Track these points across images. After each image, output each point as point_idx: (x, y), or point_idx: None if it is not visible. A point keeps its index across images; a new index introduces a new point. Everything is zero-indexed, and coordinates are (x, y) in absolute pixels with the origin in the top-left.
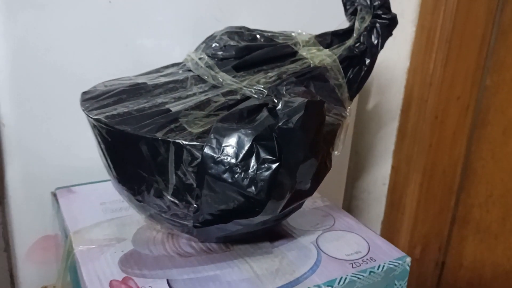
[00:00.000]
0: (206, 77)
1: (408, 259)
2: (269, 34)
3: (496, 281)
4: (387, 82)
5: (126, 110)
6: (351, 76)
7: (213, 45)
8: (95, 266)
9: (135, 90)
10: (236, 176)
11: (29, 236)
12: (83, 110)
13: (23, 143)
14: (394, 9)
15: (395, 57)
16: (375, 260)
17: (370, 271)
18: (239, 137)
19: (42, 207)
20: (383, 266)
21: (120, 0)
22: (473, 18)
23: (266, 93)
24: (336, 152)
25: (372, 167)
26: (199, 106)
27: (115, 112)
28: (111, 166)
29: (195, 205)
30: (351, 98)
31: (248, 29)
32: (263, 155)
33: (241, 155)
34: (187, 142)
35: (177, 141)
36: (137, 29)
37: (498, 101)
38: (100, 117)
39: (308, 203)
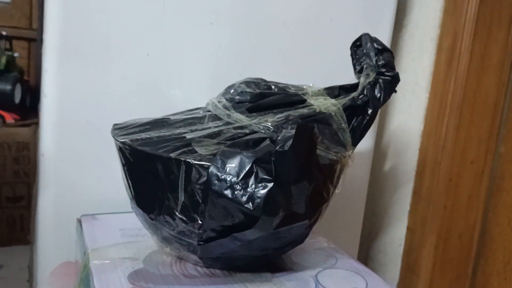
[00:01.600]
0: (222, 115)
1: None
2: (283, 85)
3: None
4: (402, 145)
5: (148, 136)
6: (354, 124)
7: (232, 91)
8: (107, 277)
9: (158, 123)
10: (236, 192)
11: (52, 260)
12: (113, 136)
13: (58, 173)
14: (409, 78)
15: (410, 122)
16: None
17: None
18: (241, 159)
19: (67, 234)
20: None
21: (157, 53)
22: (484, 87)
23: (272, 129)
24: (337, 190)
25: (388, 228)
26: (211, 135)
27: (138, 137)
28: (131, 186)
29: (199, 222)
30: (354, 144)
31: (264, 80)
32: (261, 175)
33: (242, 175)
34: (196, 162)
35: (187, 160)
36: (170, 80)
37: None
38: (125, 140)
39: (313, 244)
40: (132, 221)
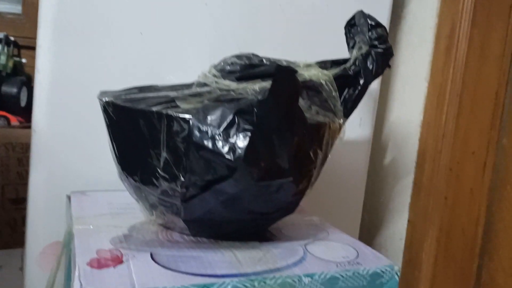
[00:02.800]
0: (210, 82)
1: (397, 268)
2: (275, 59)
3: None
4: (402, 137)
5: (132, 97)
6: (346, 96)
7: (222, 63)
8: (88, 240)
9: (146, 87)
10: (217, 144)
11: (42, 240)
12: (98, 98)
13: (49, 150)
14: (408, 69)
15: (409, 113)
16: (361, 264)
17: (354, 272)
18: (223, 111)
19: (57, 212)
20: (368, 269)
21: (150, 33)
22: (484, 76)
23: (259, 92)
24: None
25: (389, 222)
26: (196, 95)
27: (123, 97)
28: (115, 148)
29: (182, 179)
30: (346, 115)
31: (256, 55)
32: (243, 125)
33: (223, 126)
34: (177, 115)
35: (169, 113)
36: (164, 60)
37: None
38: (108, 99)
39: (305, 220)
40: (121, 197)
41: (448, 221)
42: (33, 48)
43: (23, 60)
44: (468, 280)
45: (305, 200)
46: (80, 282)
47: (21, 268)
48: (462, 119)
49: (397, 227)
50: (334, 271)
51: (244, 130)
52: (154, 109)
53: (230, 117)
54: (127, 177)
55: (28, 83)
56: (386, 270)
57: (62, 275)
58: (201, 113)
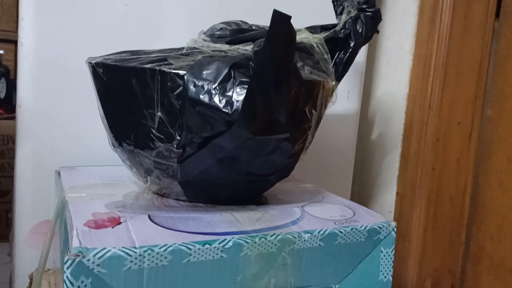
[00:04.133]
0: (200, 46)
1: (393, 224)
2: (264, 26)
3: None
4: (389, 111)
5: (123, 58)
6: (337, 60)
7: (211, 30)
8: (82, 206)
9: (135, 52)
10: (213, 98)
11: (30, 218)
12: (86, 62)
13: (35, 126)
14: (393, 43)
15: (395, 87)
16: (358, 222)
17: (352, 228)
18: (218, 65)
19: (45, 190)
20: (366, 226)
21: (135, 2)
22: (468, 47)
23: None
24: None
25: (377, 195)
26: (188, 54)
27: (113, 58)
28: (106, 114)
29: (177, 138)
30: (338, 79)
31: (246, 22)
32: (239, 78)
33: (219, 79)
34: (171, 70)
35: (162, 69)
36: (149, 31)
37: (501, 130)
38: (99, 60)
39: (300, 187)
40: (112, 171)
41: (436, 192)
42: (10, 41)
43: (1, 52)
44: (457, 249)
45: (296, 173)
46: (79, 240)
47: (9, 254)
48: (447, 90)
49: (386, 200)
50: (332, 228)
51: (241, 83)
52: (147, 66)
53: (225, 71)
54: (120, 143)
55: (7, 74)
56: (383, 226)
57: (56, 250)
58: (196, 68)
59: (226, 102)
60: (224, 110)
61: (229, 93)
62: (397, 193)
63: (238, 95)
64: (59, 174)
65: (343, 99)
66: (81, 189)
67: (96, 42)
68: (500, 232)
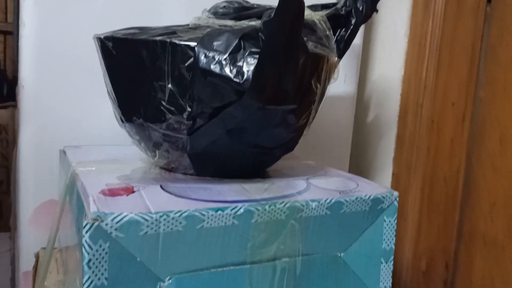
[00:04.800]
0: (205, 23)
1: (396, 193)
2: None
3: None
4: (384, 95)
5: (132, 32)
6: (338, 37)
7: (214, 8)
8: (93, 178)
9: (142, 28)
10: (224, 68)
11: (35, 198)
12: (94, 37)
13: (39, 106)
14: (388, 27)
15: (391, 70)
16: (362, 192)
17: (357, 197)
18: (228, 36)
19: (49, 170)
20: (370, 195)
21: None
22: (461, 29)
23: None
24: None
25: (373, 178)
26: (196, 28)
27: (121, 32)
28: (115, 89)
29: (188, 109)
30: (340, 56)
31: (247, 1)
32: (249, 49)
33: (229, 50)
34: (182, 42)
35: (173, 41)
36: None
37: (493, 112)
38: (108, 35)
39: (303, 164)
40: (118, 149)
41: (431, 172)
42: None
43: None
44: (451, 228)
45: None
46: (96, 206)
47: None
48: (441, 72)
49: (382, 181)
50: (338, 197)
51: (251, 53)
52: (158, 38)
53: (235, 42)
54: (129, 118)
55: None
56: (386, 195)
57: (62, 229)
58: (206, 40)
59: (236, 72)
60: (235, 79)
61: (240, 63)
62: (393, 173)
63: (249, 65)
64: (64, 152)
65: (340, 82)
66: (90, 164)
67: (98, 23)
68: (493, 211)
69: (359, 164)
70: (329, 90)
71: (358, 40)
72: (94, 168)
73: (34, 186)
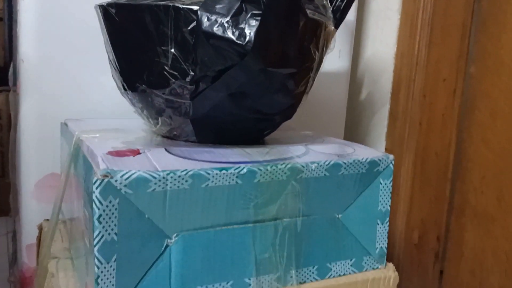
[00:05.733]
0: None
1: (391, 157)
2: None
3: (497, 266)
4: (377, 71)
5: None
6: (334, 7)
7: None
8: (98, 143)
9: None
10: (227, 30)
11: (36, 172)
12: (96, 7)
13: (39, 80)
14: (380, 4)
15: (383, 47)
16: (359, 156)
17: (354, 160)
18: (230, 0)
19: (49, 144)
20: (367, 158)
21: None
22: (452, 5)
23: None
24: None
25: None
26: None
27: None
28: (117, 56)
29: (191, 74)
30: (336, 26)
31: None
32: (251, 11)
33: (231, 12)
34: (184, 6)
35: (176, 5)
36: None
37: (483, 86)
38: (111, 1)
39: (300, 134)
40: (118, 122)
41: (423, 147)
42: None
43: None
44: (442, 201)
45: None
46: (105, 164)
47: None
48: (433, 48)
49: None
50: (336, 159)
51: (253, 15)
52: (161, 3)
53: (237, 4)
54: (131, 85)
55: None
56: (382, 158)
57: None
58: (209, 3)
59: (239, 34)
60: (237, 41)
61: (242, 26)
62: (386, 148)
63: (251, 27)
64: (66, 125)
65: (335, 57)
66: (93, 132)
67: None
68: (483, 183)
69: (353, 139)
70: (325, 60)
71: (351, 17)
72: (98, 135)
73: (35, 160)
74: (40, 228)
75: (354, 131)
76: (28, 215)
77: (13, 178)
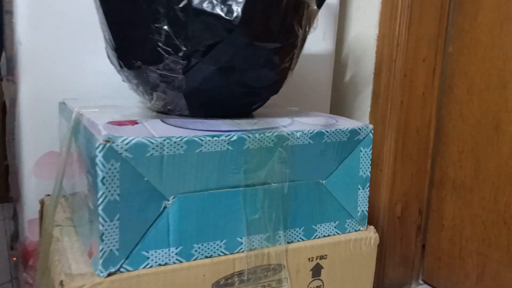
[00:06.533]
0: None
1: (371, 126)
2: None
3: (475, 234)
4: (361, 53)
5: None
6: None
7: None
8: (98, 116)
9: None
10: (215, 7)
11: (36, 150)
12: None
13: (36, 61)
14: None
15: (366, 30)
16: (341, 125)
17: (336, 129)
18: None
19: (47, 123)
20: (348, 127)
21: None
22: None
23: None
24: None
25: None
26: None
27: None
28: (113, 35)
29: (183, 49)
30: (318, 6)
31: None
32: None
33: None
34: None
35: None
36: None
37: (461, 64)
38: None
39: (286, 109)
40: (114, 100)
41: (404, 124)
42: None
43: None
44: (423, 175)
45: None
46: (107, 131)
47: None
48: (413, 29)
49: None
50: (320, 128)
51: None
52: None
53: None
54: (127, 62)
55: None
56: (362, 128)
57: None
58: None
59: (227, 10)
60: (226, 17)
61: (230, 2)
62: None
63: (238, 3)
64: (64, 103)
65: (319, 40)
66: (92, 107)
67: None
68: (461, 157)
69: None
70: (311, 42)
71: (334, 0)
72: (97, 110)
73: (34, 139)
74: (42, 202)
75: (339, 110)
76: (29, 191)
77: (11, 159)
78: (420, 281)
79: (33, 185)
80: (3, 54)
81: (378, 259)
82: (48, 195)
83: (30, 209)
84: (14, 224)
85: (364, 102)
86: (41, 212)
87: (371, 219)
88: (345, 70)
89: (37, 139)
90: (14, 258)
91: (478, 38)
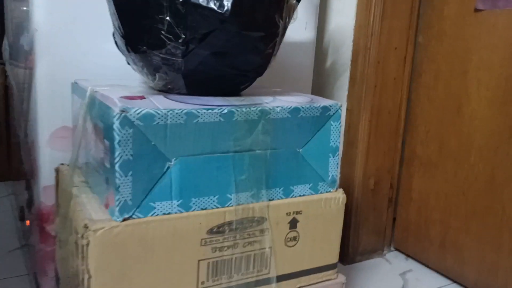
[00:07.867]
0: None
1: (340, 104)
2: None
3: (438, 205)
4: (340, 41)
5: None
6: None
7: None
8: (110, 93)
9: None
10: (210, 1)
11: (51, 124)
12: None
13: (52, 46)
14: None
15: (345, 20)
16: (315, 103)
17: (310, 105)
18: None
19: (61, 101)
20: (320, 104)
21: None
22: None
23: None
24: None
25: None
26: None
27: None
28: (123, 22)
29: (183, 36)
30: (298, 0)
31: None
32: None
33: None
34: None
35: None
36: None
37: (429, 53)
38: None
39: (270, 90)
40: (121, 81)
41: (378, 106)
42: None
43: None
44: (394, 153)
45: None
46: (121, 103)
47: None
48: (386, 21)
49: None
50: (296, 105)
51: None
52: None
53: None
54: (134, 47)
55: None
56: (332, 105)
57: (81, 150)
58: None
59: (219, 4)
60: (218, 10)
61: None
62: (347, 109)
63: None
64: (76, 83)
65: (302, 29)
66: (103, 86)
67: None
68: (428, 136)
69: None
70: (293, 31)
71: None
72: (108, 88)
73: (49, 114)
74: (57, 170)
75: (320, 93)
76: (44, 160)
77: (23, 136)
78: (392, 248)
79: (48, 156)
80: (6, 41)
81: (353, 227)
82: (63, 164)
83: (44, 176)
84: (28, 193)
85: (343, 86)
86: (57, 178)
87: (347, 191)
88: (326, 57)
89: (52, 115)
90: (27, 222)
91: (444, 30)
